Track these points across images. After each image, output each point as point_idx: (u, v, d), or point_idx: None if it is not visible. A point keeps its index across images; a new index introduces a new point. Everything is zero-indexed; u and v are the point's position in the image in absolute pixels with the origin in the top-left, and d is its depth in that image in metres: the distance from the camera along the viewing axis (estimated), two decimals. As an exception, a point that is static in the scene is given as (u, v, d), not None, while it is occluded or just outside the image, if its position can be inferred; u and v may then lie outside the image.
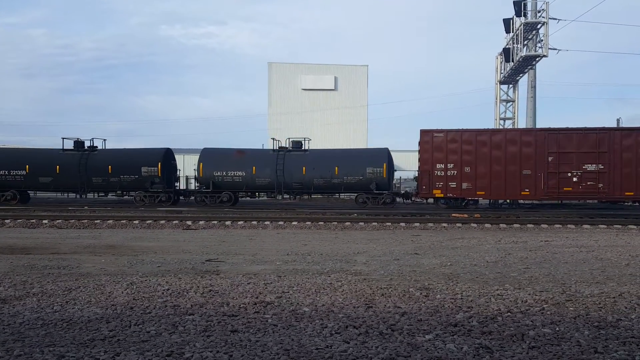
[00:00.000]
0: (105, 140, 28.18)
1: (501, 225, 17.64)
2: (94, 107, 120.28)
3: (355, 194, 26.08)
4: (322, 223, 17.68)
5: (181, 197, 27.79)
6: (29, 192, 28.37)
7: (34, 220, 17.83)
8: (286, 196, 26.60)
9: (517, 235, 14.74)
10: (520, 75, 34.82)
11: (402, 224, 17.56)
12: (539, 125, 34.11)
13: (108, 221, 17.77)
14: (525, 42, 32.20)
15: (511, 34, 33.15)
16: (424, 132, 23.68)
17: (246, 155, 26.35)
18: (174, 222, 17.75)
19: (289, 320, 5.39)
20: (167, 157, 26.75)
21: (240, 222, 17.72)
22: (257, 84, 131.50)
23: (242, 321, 5.32)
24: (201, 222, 17.74)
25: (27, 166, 26.57)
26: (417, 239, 13.79)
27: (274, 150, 26.46)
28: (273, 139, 27.42)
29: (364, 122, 48.47)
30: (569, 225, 17.50)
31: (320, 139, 43.48)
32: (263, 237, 14.39)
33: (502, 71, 35.48)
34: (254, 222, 17.68)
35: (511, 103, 36.34)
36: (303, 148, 26.61)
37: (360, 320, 5.37)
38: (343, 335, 4.86)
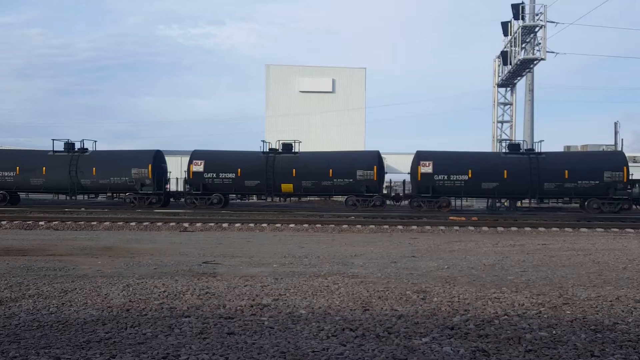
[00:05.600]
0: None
1: (498, 228, 17.64)
2: (90, 108, 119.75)
3: None
4: (319, 226, 17.66)
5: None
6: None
7: (30, 222, 17.78)
8: None
9: (515, 239, 14.74)
10: (518, 78, 34.85)
11: (400, 227, 17.55)
12: (536, 128, 33.84)
13: (105, 223, 17.72)
14: (523, 45, 32.23)
15: (509, 37, 33.20)
16: None
17: None
18: (171, 224, 17.72)
19: (285, 322, 5.38)
20: None
21: (237, 225, 17.69)
22: (255, 85, 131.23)
23: (239, 323, 5.31)
24: (198, 224, 17.72)
25: (470, 171, 24.35)
26: (415, 242, 13.78)
27: None
28: None
29: (362, 124, 48.46)
30: (566, 229, 17.50)
31: (317, 142, 43.44)
32: (260, 239, 14.36)
33: (500, 74, 35.50)
34: (251, 225, 17.64)
35: (509, 106, 36.38)
36: None
37: (357, 323, 5.36)
38: (339, 337, 4.85)
